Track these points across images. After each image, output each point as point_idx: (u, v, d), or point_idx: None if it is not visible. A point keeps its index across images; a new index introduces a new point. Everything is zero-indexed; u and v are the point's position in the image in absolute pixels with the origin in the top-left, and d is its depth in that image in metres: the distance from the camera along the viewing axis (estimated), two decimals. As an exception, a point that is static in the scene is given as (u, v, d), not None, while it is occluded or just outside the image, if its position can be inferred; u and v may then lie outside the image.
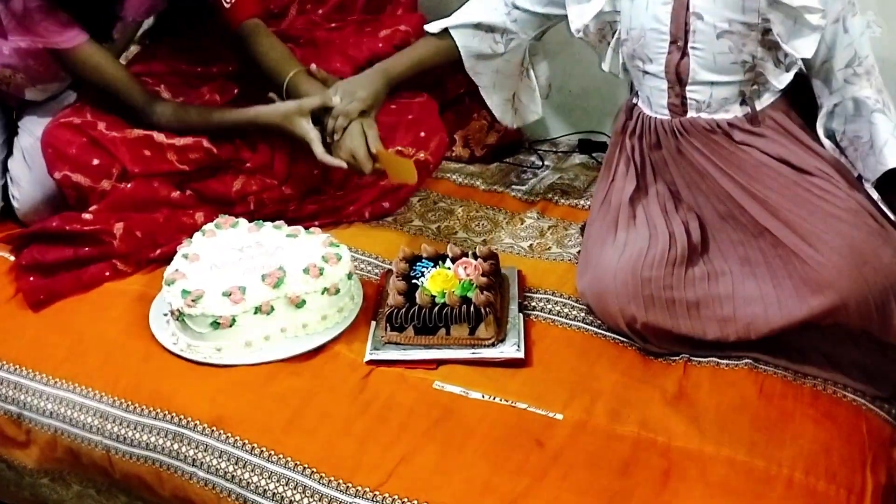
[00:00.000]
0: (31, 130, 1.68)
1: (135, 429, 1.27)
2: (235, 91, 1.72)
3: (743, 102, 1.34)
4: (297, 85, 1.59)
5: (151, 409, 1.28)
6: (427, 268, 1.41)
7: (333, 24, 1.80)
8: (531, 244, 1.61)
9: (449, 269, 1.40)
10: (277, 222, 1.49)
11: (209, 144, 1.58)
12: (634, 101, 1.46)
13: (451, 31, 1.58)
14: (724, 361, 1.30)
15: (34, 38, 1.54)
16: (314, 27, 1.79)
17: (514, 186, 1.80)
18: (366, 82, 1.57)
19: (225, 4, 1.64)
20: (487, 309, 1.31)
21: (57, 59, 1.59)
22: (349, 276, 1.41)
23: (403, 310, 1.32)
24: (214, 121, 1.60)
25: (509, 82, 1.67)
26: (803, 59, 1.28)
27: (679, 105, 1.36)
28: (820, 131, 1.34)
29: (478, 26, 1.57)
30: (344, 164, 1.51)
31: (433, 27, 1.60)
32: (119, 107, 1.60)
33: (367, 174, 1.54)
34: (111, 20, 1.62)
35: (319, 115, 1.53)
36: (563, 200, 1.74)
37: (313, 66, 1.62)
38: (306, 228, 1.49)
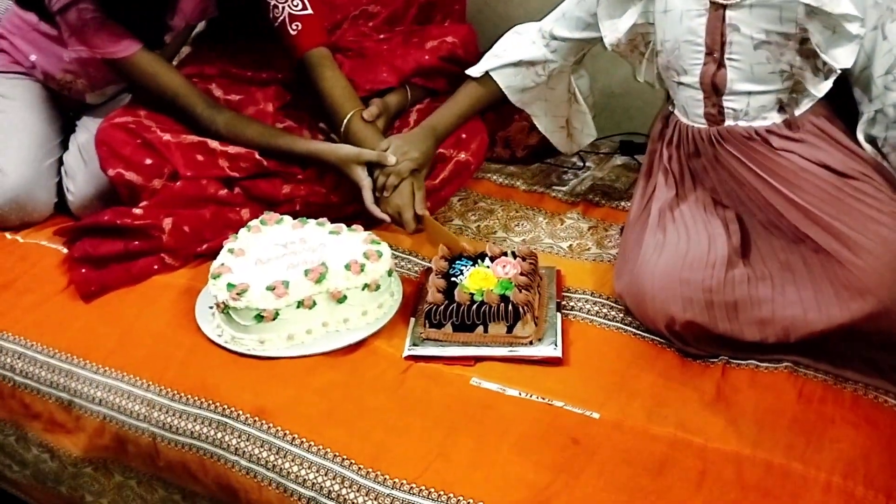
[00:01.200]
0: (88, 127, 1.74)
1: (180, 417, 1.31)
2: (289, 98, 1.76)
3: (781, 109, 1.34)
4: (353, 128, 1.62)
5: (196, 398, 1.32)
6: (466, 266, 1.42)
7: (382, 36, 1.82)
8: (571, 244, 1.62)
9: (488, 267, 1.41)
10: (321, 219, 1.52)
11: (260, 157, 1.62)
12: (671, 109, 1.46)
13: (492, 74, 1.59)
14: (764, 364, 1.29)
15: (90, 48, 1.59)
16: (363, 38, 1.82)
17: (554, 187, 1.81)
18: (417, 141, 1.59)
19: (290, 31, 1.67)
20: (525, 307, 1.32)
21: (113, 68, 1.64)
22: (389, 273, 1.43)
23: (442, 307, 1.34)
24: (271, 142, 1.62)
25: (559, 110, 1.68)
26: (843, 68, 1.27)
27: (716, 114, 1.36)
28: (860, 137, 1.32)
29: (518, 64, 1.58)
30: (388, 219, 1.56)
31: (474, 71, 1.62)
32: (175, 113, 1.64)
33: (409, 233, 1.57)
34: (163, 28, 1.66)
35: (372, 167, 1.56)
36: (603, 201, 1.74)
37: (367, 113, 1.64)
38: (349, 226, 1.52)
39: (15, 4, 1.66)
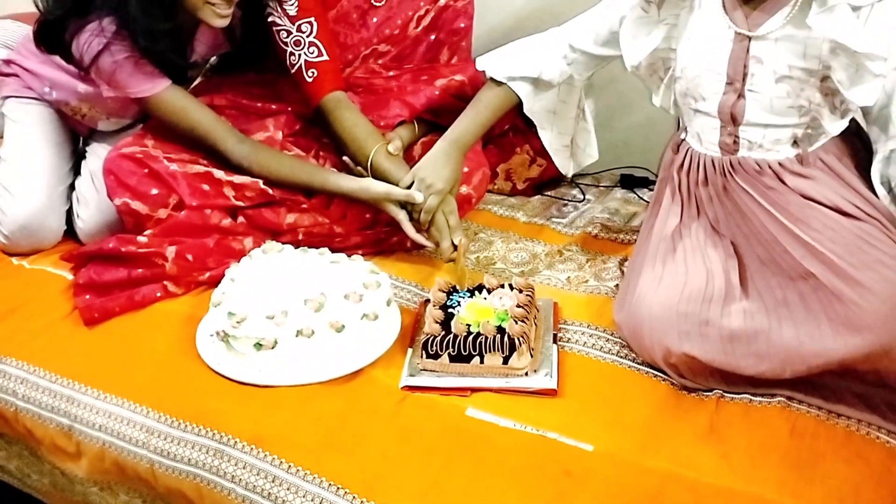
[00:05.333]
0: (100, 154, 1.75)
1: (178, 444, 1.32)
2: (297, 127, 1.78)
3: (794, 144, 1.34)
4: (379, 162, 1.66)
5: (194, 425, 1.33)
6: (464, 298, 1.44)
7: (391, 73, 1.85)
8: (569, 276, 1.63)
9: (485, 299, 1.43)
10: (321, 249, 1.54)
11: (265, 186, 1.64)
12: (683, 136, 1.47)
13: (511, 85, 1.60)
14: (758, 399, 1.30)
15: (125, 89, 1.61)
16: (373, 75, 1.84)
17: (554, 219, 1.83)
18: (440, 165, 1.60)
19: (307, 78, 1.70)
20: (521, 339, 1.33)
21: (143, 106, 1.66)
22: (388, 303, 1.45)
23: (439, 338, 1.35)
24: (305, 180, 1.65)
25: (566, 126, 1.69)
26: (861, 106, 1.28)
27: (731, 144, 1.37)
28: (875, 177, 1.33)
29: (538, 77, 1.59)
30: (433, 246, 1.61)
31: (495, 72, 1.62)
32: (204, 148, 1.66)
33: (445, 261, 1.61)
34: (186, 64, 1.69)
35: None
36: (602, 234, 1.76)
37: (392, 146, 1.67)
38: (349, 256, 1.54)
39: (34, 43, 1.69)
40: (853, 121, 1.35)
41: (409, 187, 1.60)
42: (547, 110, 1.67)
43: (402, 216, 1.60)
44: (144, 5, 1.51)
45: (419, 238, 1.61)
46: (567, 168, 1.77)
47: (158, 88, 1.62)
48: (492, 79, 1.63)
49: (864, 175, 1.34)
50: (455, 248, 1.59)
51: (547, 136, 1.71)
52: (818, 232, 1.29)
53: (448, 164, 1.61)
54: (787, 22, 1.27)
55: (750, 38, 1.30)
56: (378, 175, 1.65)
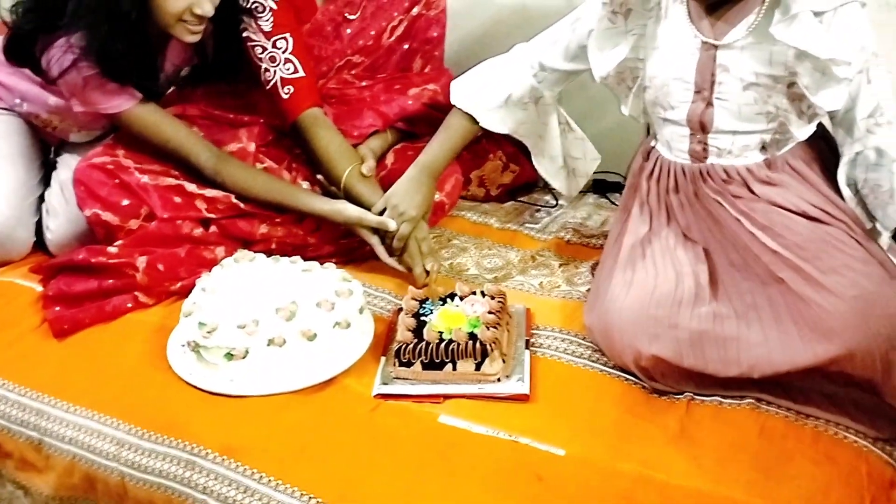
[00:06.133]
0: (70, 165, 1.74)
1: (149, 456, 1.31)
2: (270, 138, 1.78)
3: (763, 149, 1.36)
4: (352, 184, 1.66)
5: (165, 437, 1.32)
6: (436, 306, 1.44)
7: (364, 83, 1.85)
8: (541, 282, 1.64)
9: (457, 306, 1.43)
10: (293, 257, 1.54)
11: (237, 200, 1.64)
12: (653, 143, 1.48)
13: (480, 121, 1.60)
14: (728, 401, 1.31)
15: (94, 105, 1.61)
16: (346, 86, 1.85)
17: (527, 225, 1.83)
18: (412, 192, 1.60)
19: (283, 95, 1.69)
20: (493, 345, 1.34)
21: (114, 121, 1.66)
22: (361, 311, 1.45)
23: (411, 346, 1.35)
24: (277, 198, 1.64)
25: (555, 147, 1.68)
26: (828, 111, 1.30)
27: (700, 151, 1.38)
28: (841, 179, 1.34)
29: (506, 101, 1.58)
30: (404, 270, 1.61)
31: (462, 102, 1.60)
32: (177, 161, 1.65)
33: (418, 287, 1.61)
34: (157, 79, 1.68)
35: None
36: (574, 239, 1.77)
37: (365, 167, 1.67)
38: (321, 264, 1.53)
39: (3, 55, 1.68)
40: (820, 125, 1.37)
41: (381, 213, 1.60)
42: (536, 136, 1.66)
43: (374, 241, 1.61)
44: (109, 23, 1.50)
45: (392, 263, 1.61)
46: (571, 188, 1.76)
47: (128, 105, 1.61)
48: None
49: (831, 178, 1.36)
50: (427, 273, 1.59)
51: (543, 166, 1.70)
52: (785, 238, 1.30)
53: (420, 191, 1.61)
54: (752, 30, 1.28)
55: (716, 47, 1.31)
56: (351, 196, 1.65)
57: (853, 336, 1.22)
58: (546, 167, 1.71)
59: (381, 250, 1.61)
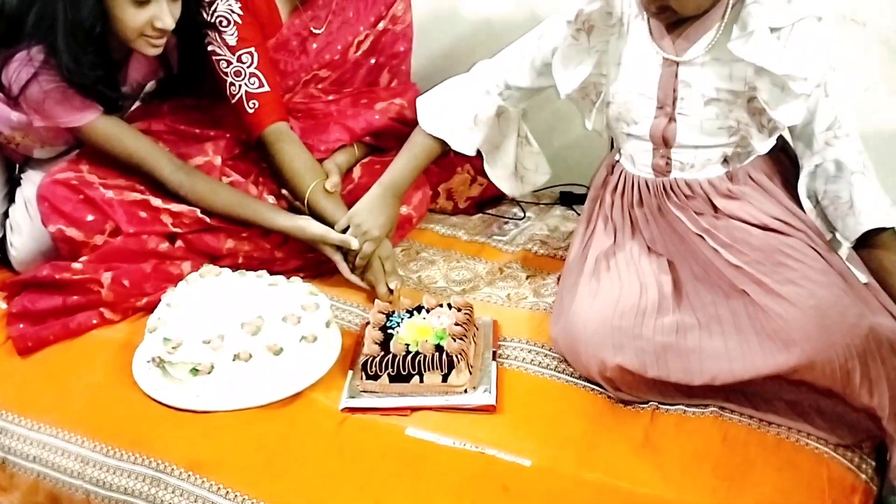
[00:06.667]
0: (34, 181, 1.72)
1: (114, 473, 1.30)
2: (237, 151, 1.77)
3: (724, 162, 1.38)
4: (316, 200, 1.66)
5: (130, 453, 1.31)
6: (403, 318, 1.45)
7: (331, 97, 1.85)
8: (509, 293, 1.65)
9: (424, 319, 1.43)
10: (260, 272, 1.54)
11: (202, 215, 1.64)
12: (616, 158, 1.49)
13: (448, 141, 1.60)
14: (692, 410, 1.32)
15: (55, 119, 1.59)
16: (312, 100, 1.85)
17: (495, 237, 1.84)
18: (376, 210, 1.61)
19: (248, 109, 1.69)
20: (459, 356, 1.34)
21: (76, 135, 1.64)
22: (328, 325, 1.45)
23: (378, 358, 1.36)
24: (240, 213, 1.64)
25: (509, 157, 1.68)
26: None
27: (663, 165, 1.40)
28: (802, 191, 1.36)
29: (474, 122, 1.59)
30: (367, 288, 1.62)
31: (431, 127, 1.61)
32: (141, 175, 1.64)
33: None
34: (118, 92, 1.67)
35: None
36: (542, 251, 1.78)
37: (329, 184, 1.68)
38: (288, 278, 1.53)
39: None
40: (780, 137, 1.39)
41: (345, 230, 1.61)
42: (492, 145, 1.67)
43: (337, 258, 1.61)
44: (70, 36, 1.50)
45: (354, 280, 1.62)
46: (516, 190, 1.76)
47: (89, 118, 1.60)
48: None
49: (792, 189, 1.38)
50: (391, 291, 1.60)
51: (493, 172, 1.70)
52: (746, 255, 1.32)
53: (384, 211, 1.62)
54: (712, 47, 1.31)
55: (678, 63, 1.34)
56: (314, 212, 1.66)
57: (812, 345, 1.24)
58: (496, 173, 1.71)
59: (343, 267, 1.61)
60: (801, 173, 1.36)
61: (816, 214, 1.37)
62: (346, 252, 1.61)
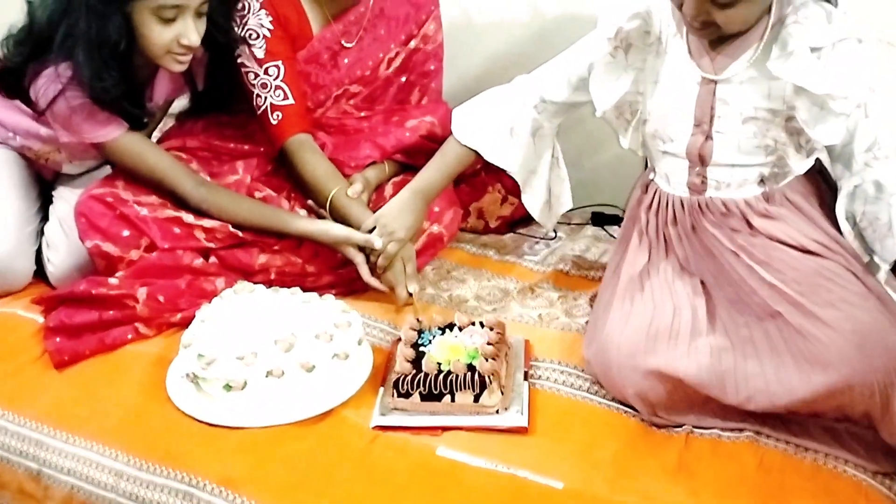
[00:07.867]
0: (67, 199, 1.76)
1: (147, 487, 1.31)
2: (269, 168, 1.80)
3: (761, 182, 1.37)
4: (338, 204, 1.68)
5: (163, 468, 1.32)
6: (435, 336, 1.44)
7: (363, 114, 1.87)
8: (540, 314, 1.64)
9: (456, 337, 1.43)
10: (293, 289, 1.55)
11: (234, 230, 1.65)
12: (651, 176, 1.49)
13: (481, 151, 1.60)
14: (726, 434, 1.31)
15: (80, 135, 1.62)
16: (344, 116, 1.87)
17: (526, 257, 1.84)
18: (404, 213, 1.61)
19: (272, 121, 1.72)
20: (491, 377, 1.34)
21: (100, 151, 1.67)
22: (360, 343, 1.45)
23: (410, 376, 1.36)
24: (264, 223, 1.66)
25: (543, 179, 1.68)
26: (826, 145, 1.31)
27: (699, 184, 1.39)
28: (840, 213, 1.35)
29: (510, 132, 1.59)
30: (386, 290, 1.62)
31: (465, 137, 1.61)
32: (163, 191, 1.67)
33: (400, 306, 1.63)
34: (143, 109, 1.70)
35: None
36: (573, 271, 1.77)
37: (351, 190, 1.69)
38: (321, 295, 1.54)
39: None
40: (817, 159, 1.38)
41: (370, 231, 1.61)
42: (529, 171, 1.66)
43: (359, 259, 1.61)
44: (95, 53, 1.52)
45: (373, 282, 1.62)
46: (548, 220, 1.76)
47: (114, 134, 1.63)
48: None
49: (829, 211, 1.37)
50: (410, 295, 1.60)
51: (528, 199, 1.69)
52: (783, 273, 1.31)
53: (412, 214, 1.62)
54: (751, 65, 1.30)
55: (716, 82, 1.33)
56: (337, 217, 1.67)
57: (851, 369, 1.22)
58: (531, 201, 1.70)
59: (364, 269, 1.61)
60: (840, 194, 1.35)
61: (854, 236, 1.35)
62: (368, 254, 1.61)
